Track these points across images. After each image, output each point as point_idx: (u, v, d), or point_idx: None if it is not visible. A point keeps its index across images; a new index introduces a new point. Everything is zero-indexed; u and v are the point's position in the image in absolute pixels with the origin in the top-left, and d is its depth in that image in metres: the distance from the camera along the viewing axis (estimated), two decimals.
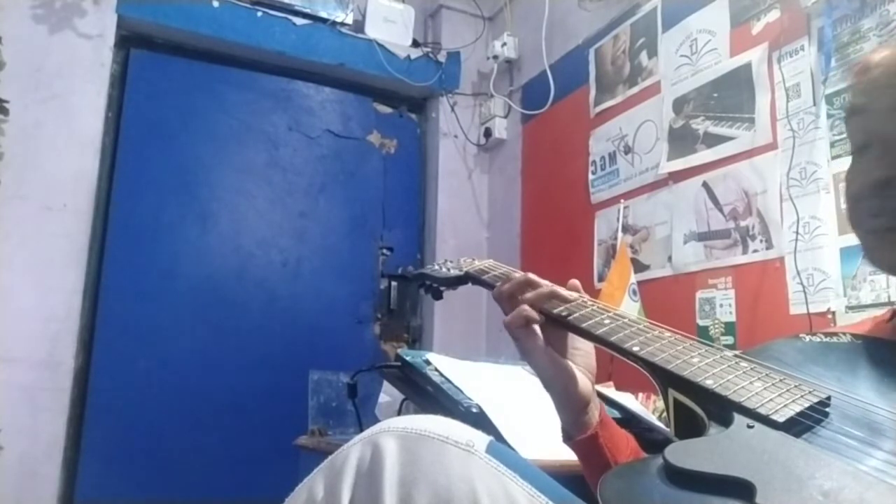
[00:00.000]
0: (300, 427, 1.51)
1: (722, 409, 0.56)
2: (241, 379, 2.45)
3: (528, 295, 0.76)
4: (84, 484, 2.18)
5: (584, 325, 0.72)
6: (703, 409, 0.58)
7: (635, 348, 0.66)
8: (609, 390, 1.36)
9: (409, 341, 2.79)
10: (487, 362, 1.41)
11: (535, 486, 0.58)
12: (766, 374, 0.60)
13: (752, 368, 0.61)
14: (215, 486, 2.34)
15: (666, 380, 0.62)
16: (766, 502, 0.45)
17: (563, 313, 0.74)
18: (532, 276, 0.78)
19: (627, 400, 1.32)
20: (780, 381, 0.59)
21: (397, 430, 0.59)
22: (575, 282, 0.80)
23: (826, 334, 0.72)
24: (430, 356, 1.31)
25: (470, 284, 0.96)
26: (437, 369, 1.26)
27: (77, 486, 2.17)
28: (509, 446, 1.06)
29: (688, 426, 0.59)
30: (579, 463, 0.78)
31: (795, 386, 0.58)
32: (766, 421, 0.53)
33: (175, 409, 2.34)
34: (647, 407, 1.55)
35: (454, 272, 0.99)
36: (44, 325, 2.14)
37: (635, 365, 0.66)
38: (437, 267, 1.05)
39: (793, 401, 0.56)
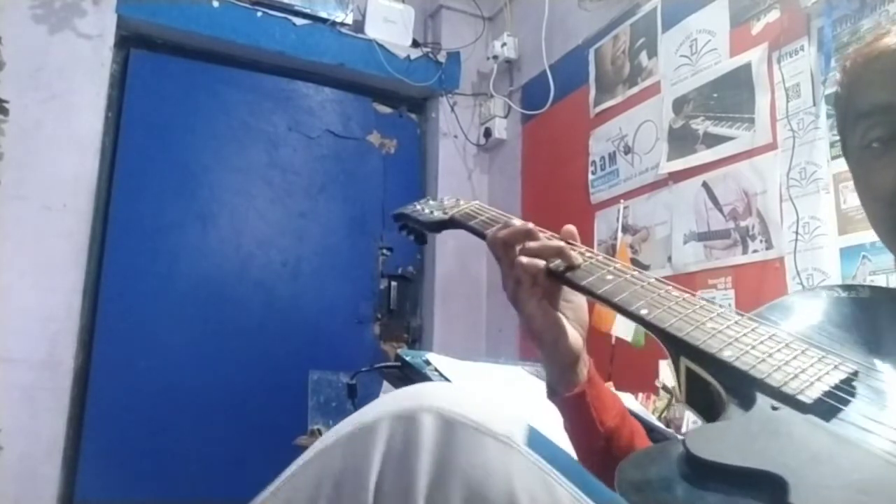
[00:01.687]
0: (300, 427, 1.51)
1: (741, 383, 0.52)
2: (241, 379, 2.45)
3: (532, 245, 0.70)
4: (84, 484, 2.18)
5: (584, 282, 0.67)
6: (719, 382, 0.54)
7: (643, 311, 0.61)
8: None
9: (409, 341, 2.79)
10: (487, 362, 1.41)
11: (580, 486, 0.51)
12: (788, 344, 0.55)
13: (771, 336, 0.56)
14: (215, 486, 2.34)
15: (677, 347, 0.58)
16: (801, 502, 0.41)
17: (562, 268, 0.69)
18: (532, 226, 0.73)
19: (627, 400, 1.32)
20: (804, 351, 0.54)
21: (435, 409, 0.51)
22: (571, 228, 0.75)
23: (845, 288, 0.67)
24: (430, 356, 1.31)
25: (460, 230, 0.87)
26: (436, 369, 1.26)
27: (77, 486, 2.17)
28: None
29: (701, 396, 0.56)
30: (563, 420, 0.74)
31: (820, 358, 0.53)
32: (792, 402, 0.49)
33: (175, 409, 2.34)
34: (647, 407, 1.55)
35: (438, 215, 0.90)
36: (44, 325, 2.14)
37: (642, 327, 0.62)
38: (418, 207, 0.95)
39: (818, 378, 0.51)
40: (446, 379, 1.24)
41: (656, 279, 0.66)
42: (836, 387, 0.51)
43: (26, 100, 2.20)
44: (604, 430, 0.71)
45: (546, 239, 0.72)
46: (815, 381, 0.51)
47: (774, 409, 0.49)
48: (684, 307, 0.61)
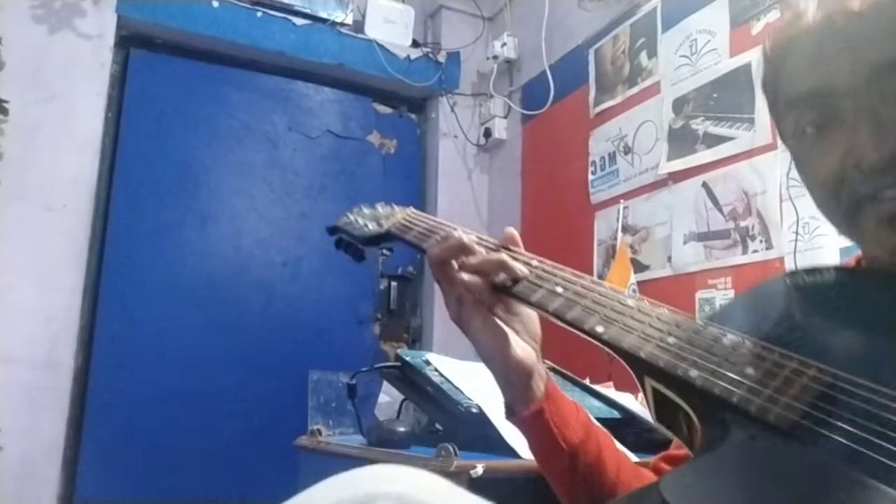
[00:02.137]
0: (300, 427, 1.51)
1: (712, 405, 0.48)
2: (241, 379, 2.45)
3: (471, 261, 0.64)
4: (84, 484, 2.18)
5: (532, 298, 0.61)
6: (688, 404, 0.50)
7: (598, 328, 0.56)
8: (609, 390, 1.36)
9: (409, 341, 2.79)
10: None
11: None
12: (760, 354, 0.50)
13: (738, 344, 0.51)
14: (215, 486, 2.34)
15: (639, 367, 0.54)
16: None
17: (507, 283, 0.63)
18: (466, 237, 0.66)
19: (627, 400, 1.32)
20: (776, 363, 0.49)
21: (396, 495, 0.43)
22: (512, 233, 0.68)
23: (809, 272, 0.61)
24: (430, 356, 1.31)
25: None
26: (436, 370, 1.26)
27: (77, 486, 2.17)
28: (509, 447, 1.07)
29: (672, 416, 0.53)
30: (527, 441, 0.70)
31: (795, 369, 0.48)
32: (769, 428, 0.45)
33: (175, 409, 2.34)
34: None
35: (372, 228, 0.83)
36: (44, 325, 2.14)
37: (599, 345, 0.57)
38: (352, 218, 0.88)
39: (796, 395, 0.46)
40: (446, 379, 1.24)
41: (610, 288, 0.61)
42: (816, 403, 0.45)
43: (26, 100, 2.20)
44: (567, 447, 0.67)
45: (485, 252, 0.66)
46: (792, 399, 0.46)
47: (752, 437, 0.45)
48: (642, 319, 0.56)
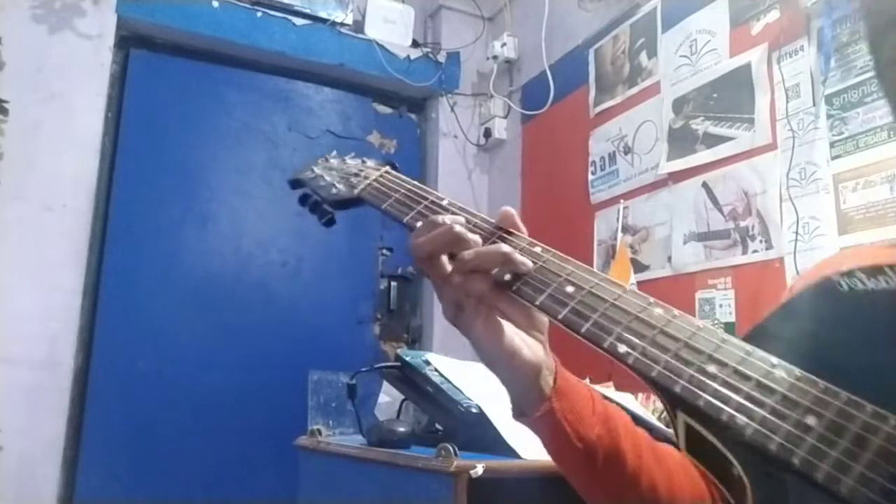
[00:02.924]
0: (300, 427, 1.51)
1: (762, 458, 0.39)
2: (241, 379, 2.45)
3: (468, 257, 0.54)
4: (84, 484, 2.18)
5: (538, 301, 0.52)
6: (729, 450, 0.42)
7: (621, 349, 0.47)
8: (609, 390, 1.36)
9: (409, 341, 2.79)
10: None
11: None
12: (818, 397, 0.39)
13: (793, 380, 0.40)
14: (215, 486, 2.34)
15: (672, 398, 0.44)
16: None
17: (510, 279, 0.54)
18: (458, 226, 0.55)
19: (627, 400, 1.32)
20: (842, 412, 0.38)
21: None
22: (510, 212, 0.59)
23: (869, 273, 0.49)
24: (430, 356, 1.31)
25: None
26: (436, 370, 1.26)
27: (77, 486, 2.17)
28: (509, 447, 1.07)
29: (706, 454, 0.44)
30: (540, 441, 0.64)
31: (867, 423, 0.37)
32: (827, 494, 0.36)
33: (175, 409, 2.34)
34: (647, 407, 1.55)
35: (342, 190, 0.71)
36: (44, 325, 2.14)
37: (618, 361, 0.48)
38: (318, 173, 0.75)
39: (872, 462, 0.36)
40: (446, 379, 1.24)
41: (630, 290, 0.51)
42: (877, 463, 0.36)
43: (26, 100, 2.20)
44: (582, 445, 0.61)
45: (480, 240, 0.56)
46: (867, 470, 0.35)
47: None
48: (675, 336, 0.45)
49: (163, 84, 2.54)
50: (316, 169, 0.77)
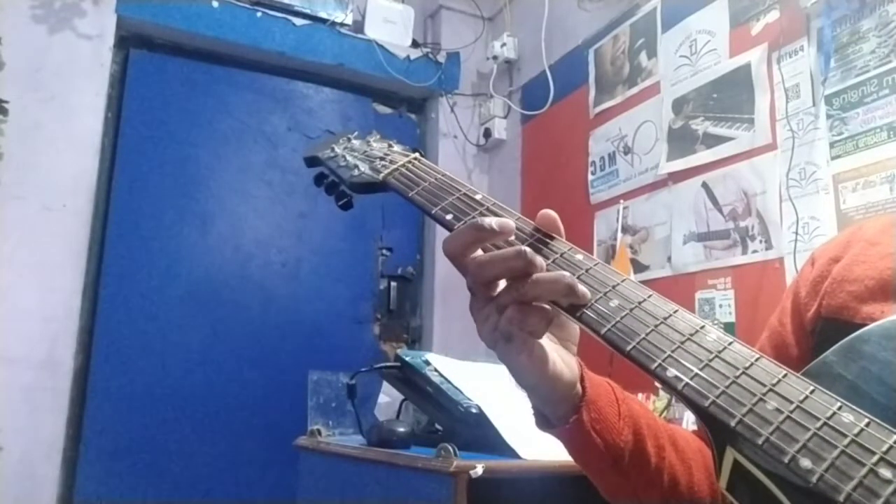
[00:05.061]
0: (300, 427, 1.51)
1: None
2: (241, 379, 2.45)
3: (529, 290, 0.48)
4: (84, 484, 2.18)
5: (603, 330, 0.46)
6: (785, 494, 0.38)
7: (669, 373, 0.42)
8: None
9: (409, 342, 2.79)
10: (487, 362, 1.41)
11: None
12: (891, 446, 0.36)
13: (861, 426, 0.37)
14: (215, 486, 2.34)
15: (723, 433, 0.40)
16: None
17: (565, 305, 0.49)
18: (529, 252, 0.49)
19: None
20: None
21: None
22: (552, 216, 0.54)
23: None
24: (430, 356, 1.31)
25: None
26: (436, 370, 1.26)
27: (77, 486, 2.17)
28: (509, 447, 1.07)
29: (753, 495, 0.39)
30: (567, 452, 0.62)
31: None
32: None
33: (175, 409, 2.34)
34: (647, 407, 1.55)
35: (365, 172, 0.66)
36: (44, 325, 2.14)
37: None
38: (338, 152, 0.69)
39: None
40: (446, 379, 1.24)
41: (681, 309, 0.47)
42: None
43: (26, 100, 2.20)
44: (609, 452, 0.59)
45: (543, 264, 0.50)
46: None
47: None
48: (731, 364, 0.41)
49: (163, 84, 2.54)
50: (336, 148, 0.71)
